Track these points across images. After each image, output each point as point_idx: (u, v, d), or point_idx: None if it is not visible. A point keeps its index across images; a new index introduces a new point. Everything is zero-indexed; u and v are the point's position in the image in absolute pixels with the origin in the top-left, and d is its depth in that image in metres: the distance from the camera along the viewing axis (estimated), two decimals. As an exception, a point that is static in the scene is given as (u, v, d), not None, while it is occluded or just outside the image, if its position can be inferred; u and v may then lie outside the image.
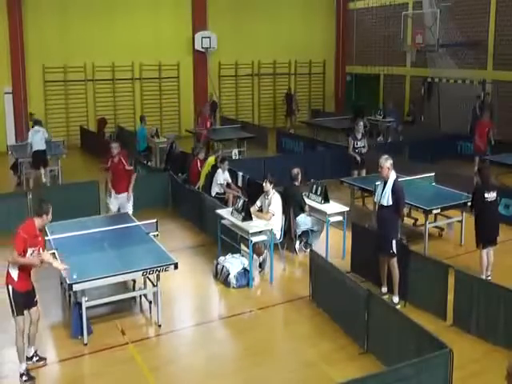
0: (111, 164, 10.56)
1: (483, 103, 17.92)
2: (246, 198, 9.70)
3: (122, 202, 10.62)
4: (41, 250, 6.57)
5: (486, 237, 8.50)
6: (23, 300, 6.46)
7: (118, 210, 10.62)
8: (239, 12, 22.53)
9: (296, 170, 9.98)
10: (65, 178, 15.03)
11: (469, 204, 9.09)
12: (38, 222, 6.60)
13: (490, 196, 8.39)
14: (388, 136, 19.36)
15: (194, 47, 21.73)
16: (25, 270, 6.46)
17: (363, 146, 13.06)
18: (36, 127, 14.54)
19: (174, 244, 9.89)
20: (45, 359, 6.82)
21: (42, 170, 14.39)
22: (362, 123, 13.42)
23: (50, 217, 6.69)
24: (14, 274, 6.39)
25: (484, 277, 8.40)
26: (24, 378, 6.41)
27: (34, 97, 19.73)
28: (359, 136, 13.11)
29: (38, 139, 14.14)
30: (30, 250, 6.41)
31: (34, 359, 6.79)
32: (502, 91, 18.35)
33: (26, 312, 6.53)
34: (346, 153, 13.36)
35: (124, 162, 10.51)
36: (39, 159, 14.19)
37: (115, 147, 10.50)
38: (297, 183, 9.94)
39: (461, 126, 17.92)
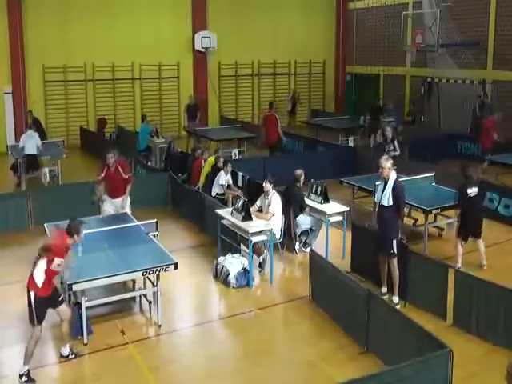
0: (107, 173, 10.04)
1: (483, 103, 17.91)
2: (246, 198, 9.70)
3: (117, 205, 10.20)
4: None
5: (466, 228, 8.89)
6: (46, 305, 6.49)
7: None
8: (239, 12, 22.52)
9: (300, 172, 10.01)
10: (65, 178, 15.02)
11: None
12: (70, 240, 6.67)
13: (473, 191, 8.85)
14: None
15: (193, 47, 21.73)
16: (51, 276, 6.47)
17: (393, 149, 12.78)
18: (30, 131, 14.52)
19: (174, 244, 9.88)
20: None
21: (42, 172, 14.37)
22: (389, 128, 13.36)
23: (81, 236, 6.76)
24: (39, 279, 6.37)
25: (459, 266, 8.61)
26: (24, 378, 6.40)
27: (33, 97, 19.71)
28: (388, 139, 13.00)
29: (30, 144, 14.10)
30: (58, 260, 6.39)
31: (70, 357, 6.85)
32: (502, 91, 18.35)
33: (54, 312, 6.64)
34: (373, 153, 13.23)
35: (121, 171, 10.03)
36: (29, 163, 14.11)
37: (111, 156, 9.93)
38: (299, 184, 9.96)
39: (461, 126, 17.91)
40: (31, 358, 6.47)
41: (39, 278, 6.37)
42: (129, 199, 10.27)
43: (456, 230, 9.11)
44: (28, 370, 6.43)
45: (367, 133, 18.86)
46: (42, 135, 17.34)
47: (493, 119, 14.99)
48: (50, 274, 6.44)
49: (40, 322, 6.45)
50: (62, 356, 6.87)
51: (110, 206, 10.20)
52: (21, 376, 6.40)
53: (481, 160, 14.04)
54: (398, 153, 12.61)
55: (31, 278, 6.41)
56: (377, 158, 12.61)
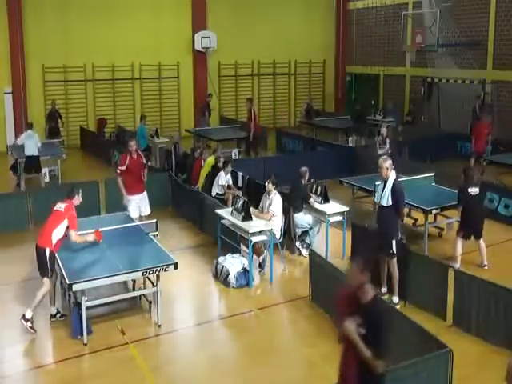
0: (130, 162, 10.09)
1: (483, 103, 17.91)
2: (246, 198, 9.71)
3: (140, 203, 10.22)
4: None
5: (467, 227, 8.96)
6: (55, 261, 7.41)
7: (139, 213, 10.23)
8: (239, 12, 22.53)
9: (304, 169, 10.06)
10: (65, 178, 15.03)
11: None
12: (75, 202, 7.75)
13: (473, 190, 8.95)
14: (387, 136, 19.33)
15: (193, 47, 21.74)
16: (63, 239, 7.53)
17: (387, 151, 12.85)
18: (30, 131, 14.52)
19: (174, 244, 9.90)
20: (66, 315, 7.70)
21: (42, 173, 14.38)
22: (384, 130, 13.41)
23: (80, 197, 7.81)
24: (55, 239, 7.40)
25: (458, 266, 8.65)
26: (29, 323, 7.27)
27: (33, 97, 19.73)
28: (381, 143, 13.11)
29: (30, 144, 14.10)
30: (72, 231, 7.57)
31: (58, 316, 7.71)
32: (502, 91, 18.35)
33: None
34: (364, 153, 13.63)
35: (142, 156, 10.45)
36: (31, 165, 14.17)
37: (133, 144, 10.17)
38: (304, 181, 9.99)
39: (461, 126, 17.91)
40: (38, 305, 7.37)
41: (56, 237, 7.40)
42: (146, 194, 10.37)
43: (456, 229, 9.13)
44: (32, 318, 7.29)
45: (348, 133, 18.97)
46: (56, 132, 17.55)
47: (483, 121, 14.88)
48: (63, 237, 7.54)
49: (52, 274, 7.42)
50: (51, 315, 7.69)
51: (134, 206, 10.14)
52: (26, 320, 7.26)
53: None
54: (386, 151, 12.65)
55: (47, 237, 7.37)
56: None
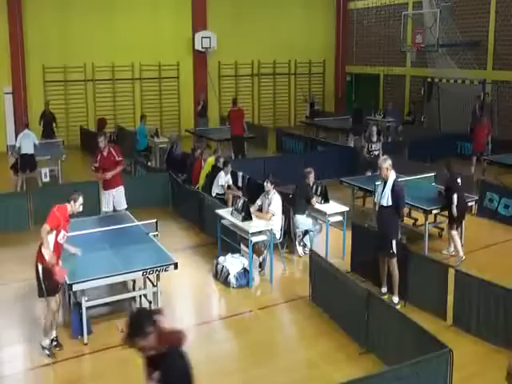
0: (101, 159, 10.19)
1: (483, 103, 17.91)
2: (246, 198, 9.71)
3: (115, 198, 10.36)
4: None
5: (459, 216, 9.23)
6: (54, 280, 6.66)
7: (114, 209, 10.36)
8: (239, 12, 22.54)
9: (309, 169, 10.12)
10: (65, 178, 15.02)
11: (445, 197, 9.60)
12: (69, 207, 6.98)
13: (460, 181, 9.33)
14: (388, 136, 19.34)
15: (193, 47, 21.74)
16: (56, 251, 6.74)
17: (377, 149, 13.06)
18: (26, 131, 14.49)
19: (173, 244, 9.88)
20: (61, 346, 7.00)
21: (41, 171, 14.36)
22: (375, 128, 13.45)
23: (78, 204, 7.05)
24: (47, 253, 6.61)
25: (462, 254, 8.94)
26: (46, 351, 6.79)
27: (34, 97, 19.73)
28: (374, 139, 13.13)
29: (27, 143, 14.04)
30: (62, 233, 6.80)
31: (53, 343, 6.96)
32: (502, 91, 18.35)
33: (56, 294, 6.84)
34: (360, 153, 13.73)
35: (114, 153, 10.19)
36: (26, 163, 14.08)
37: (101, 140, 10.13)
38: (308, 181, 10.00)
39: (461, 126, 17.92)
40: (50, 331, 6.83)
41: (47, 251, 6.62)
42: (123, 190, 10.41)
43: (448, 223, 9.28)
44: (51, 340, 6.84)
45: (348, 133, 18.96)
46: (50, 132, 17.47)
47: (483, 123, 14.96)
48: (56, 246, 6.75)
49: (50, 293, 6.72)
50: (41, 346, 6.90)
51: (108, 203, 10.36)
52: (43, 348, 6.80)
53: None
54: (377, 153, 12.83)
55: (40, 253, 6.66)
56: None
